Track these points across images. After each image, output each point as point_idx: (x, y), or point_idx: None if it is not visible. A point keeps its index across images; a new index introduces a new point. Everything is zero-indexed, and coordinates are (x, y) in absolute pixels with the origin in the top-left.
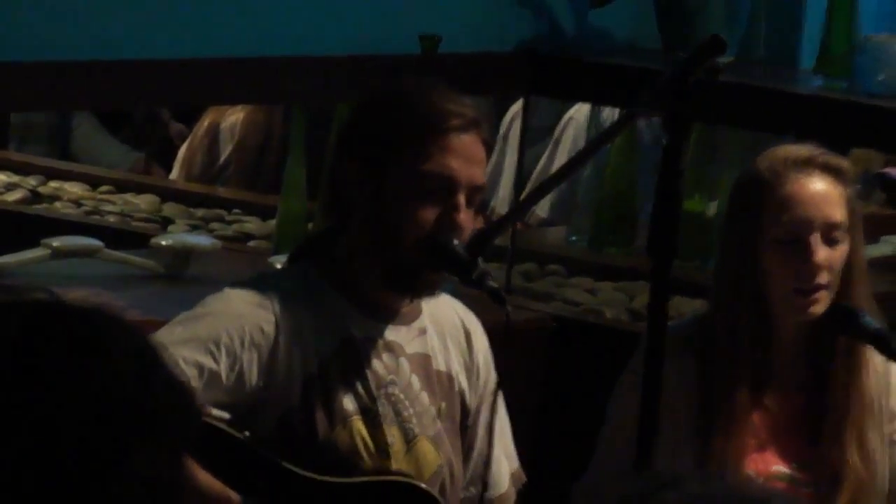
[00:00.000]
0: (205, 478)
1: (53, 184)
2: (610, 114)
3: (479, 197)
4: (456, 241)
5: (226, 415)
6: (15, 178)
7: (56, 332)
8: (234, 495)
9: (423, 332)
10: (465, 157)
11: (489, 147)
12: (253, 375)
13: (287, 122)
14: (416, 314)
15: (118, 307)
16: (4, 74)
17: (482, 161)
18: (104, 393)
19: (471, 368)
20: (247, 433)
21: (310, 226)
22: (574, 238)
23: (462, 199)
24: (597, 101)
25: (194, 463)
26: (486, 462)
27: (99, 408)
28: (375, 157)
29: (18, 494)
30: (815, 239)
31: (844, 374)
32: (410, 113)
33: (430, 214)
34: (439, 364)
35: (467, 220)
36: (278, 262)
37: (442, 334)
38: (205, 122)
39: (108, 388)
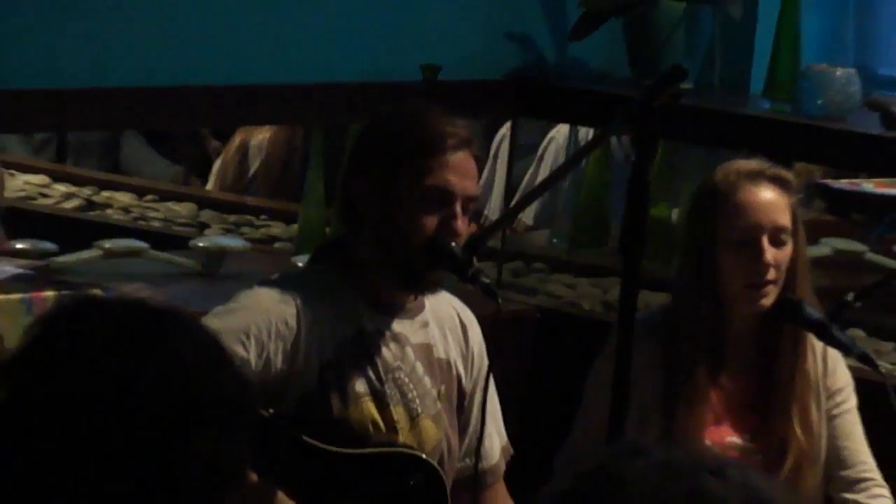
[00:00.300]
0: None
1: (105, 193)
2: (586, 133)
3: (473, 205)
4: (454, 244)
5: None
6: (72, 189)
7: (135, 331)
8: (251, 475)
9: (425, 324)
10: (459, 172)
11: (480, 162)
12: (277, 362)
13: (307, 140)
14: (420, 309)
15: (160, 299)
16: (60, 99)
17: (474, 175)
18: (180, 385)
19: (466, 357)
20: (271, 411)
21: (327, 230)
22: (555, 240)
23: (458, 208)
24: (575, 122)
25: None
26: (480, 438)
27: (173, 398)
28: (382, 173)
29: (104, 463)
30: (764, 241)
31: (790, 357)
32: (412, 134)
33: (430, 222)
34: (440, 352)
35: (463, 226)
36: (300, 261)
37: (442, 327)
38: (236, 140)
39: (184, 381)
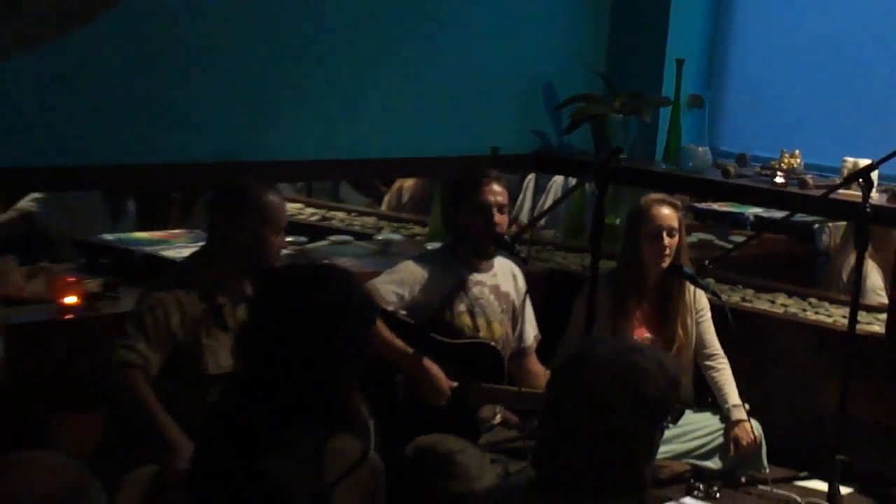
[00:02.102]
0: (391, 337)
1: (331, 213)
2: (572, 180)
3: (506, 209)
4: (506, 237)
5: (405, 312)
6: (315, 210)
7: (314, 276)
8: (409, 349)
9: (495, 275)
10: (494, 193)
11: (507, 188)
12: (417, 297)
13: (433, 184)
14: (491, 267)
15: (359, 266)
16: (306, 167)
17: (504, 194)
18: (331, 300)
19: (516, 289)
20: (414, 321)
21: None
22: (557, 234)
23: (496, 212)
24: (567, 175)
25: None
26: (521, 331)
27: (329, 305)
28: (456, 201)
29: (301, 340)
30: (664, 234)
31: (676, 293)
32: (469, 181)
33: (482, 223)
34: (503, 289)
35: (501, 222)
36: (430, 246)
37: (504, 275)
38: (395, 185)
39: (334, 298)
